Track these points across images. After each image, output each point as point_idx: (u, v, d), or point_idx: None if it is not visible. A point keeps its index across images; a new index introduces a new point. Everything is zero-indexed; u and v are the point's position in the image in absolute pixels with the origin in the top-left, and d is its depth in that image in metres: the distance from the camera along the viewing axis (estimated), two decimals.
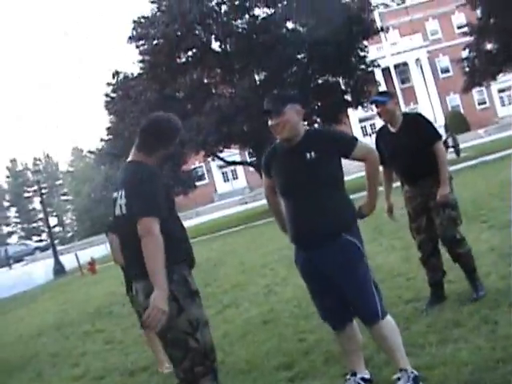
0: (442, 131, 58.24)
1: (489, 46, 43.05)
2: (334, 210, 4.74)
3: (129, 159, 4.53)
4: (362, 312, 4.84)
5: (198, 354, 4.24)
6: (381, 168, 7.31)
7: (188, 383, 4.29)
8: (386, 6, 69.21)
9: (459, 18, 70.43)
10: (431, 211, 7.03)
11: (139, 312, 4.56)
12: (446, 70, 76.17)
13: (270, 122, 4.87)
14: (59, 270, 33.00)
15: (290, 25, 34.88)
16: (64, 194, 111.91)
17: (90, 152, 50.22)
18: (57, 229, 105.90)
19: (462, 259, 7.10)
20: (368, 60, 35.98)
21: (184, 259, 4.38)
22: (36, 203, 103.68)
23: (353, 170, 51.30)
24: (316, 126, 36.43)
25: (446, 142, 29.21)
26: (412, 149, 6.91)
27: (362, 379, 5.07)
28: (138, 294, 4.32)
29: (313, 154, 4.74)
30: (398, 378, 4.78)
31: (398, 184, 7.40)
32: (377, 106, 7.12)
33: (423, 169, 6.97)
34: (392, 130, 7.12)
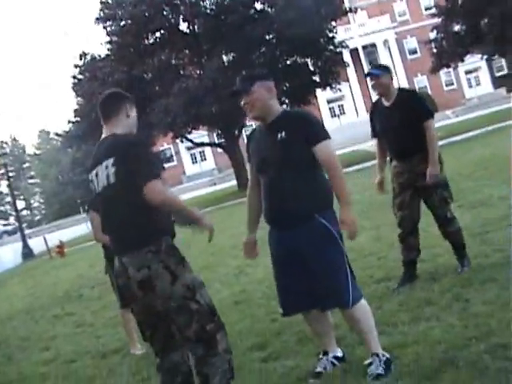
0: None
1: (456, 28, 43.28)
2: (307, 191, 4.68)
3: (105, 135, 4.52)
4: (330, 298, 4.75)
5: (204, 313, 4.27)
6: (375, 141, 7.55)
7: (205, 343, 4.26)
8: None
9: (427, 0, 70.69)
10: (417, 189, 7.06)
11: (121, 289, 4.44)
12: (413, 52, 76.54)
13: (241, 102, 4.84)
14: (27, 253, 32.81)
15: (258, 5, 34.79)
16: (31, 177, 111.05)
17: (57, 135, 49.87)
18: (24, 212, 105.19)
19: (452, 237, 7.19)
20: (336, 41, 36.03)
21: (169, 230, 4.38)
22: (3, 187, 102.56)
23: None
24: (292, 107, 36.52)
25: None
26: (403, 123, 6.93)
27: (335, 357, 5.06)
28: (128, 269, 4.22)
29: (283, 134, 4.69)
30: (370, 363, 4.77)
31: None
32: (371, 79, 7.15)
33: (413, 145, 6.98)
34: (386, 103, 7.15)
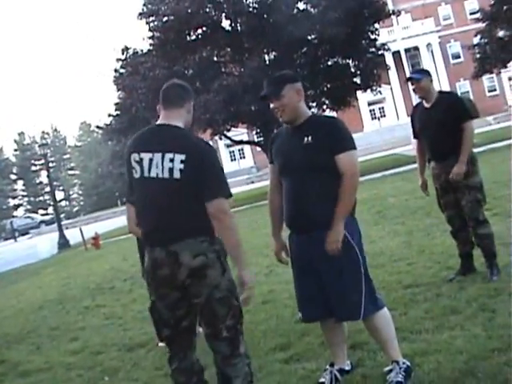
0: None
1: (501, 33, 42.80)
2: (329, 198, 4.61)
3: (163, 122, 4.54)
4: (342, 309, 4.70)
5: (239, 312, 4.33)
6: (415, 142, 7.70)
7: (231, 341, 4.30)
8: None
9: (472, 4, 70.09)
10: (457, 189, 7.23)
11: (158, 280, 4.37)
12: (456, 56, 75.80)
13: (271, 105, 4.83)
14: (64, 243, 33.12)
15: (301, 5, 34.70)
16: (71, 169, 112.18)
17: (98, 127, 50.03)
18: (63, 203, 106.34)
19: (483, 241, 7.26)
20: (378, 43, 35.78)
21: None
22: (43, 177, 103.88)
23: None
24: (332, 109, 36.53)
25: None
26: (441, 123, 7.09)
27: (340, 370, 5.02)
28: (180, 255, 4.19)
29: (310, 138, 4.66)
30: (390, 370, 4.74)
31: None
32: (412, 83, 7.30)
33: (449, 146, 7.11)
34: (426, 105, 7.32)
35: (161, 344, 7.35)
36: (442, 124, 7.09)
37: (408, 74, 7.47)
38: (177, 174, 4.25)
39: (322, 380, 4.99)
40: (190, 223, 4.26)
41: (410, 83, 7.43)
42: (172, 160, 4.27)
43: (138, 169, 4.43)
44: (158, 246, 4.30)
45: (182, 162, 4.24)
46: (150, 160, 4.36)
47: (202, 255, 4.20)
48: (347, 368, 5.06)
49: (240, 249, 4.34)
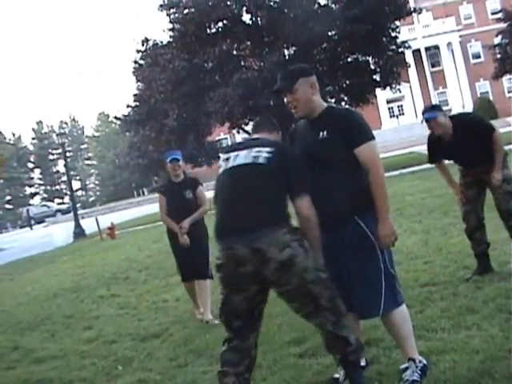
0: None
1: None
2: (349, 193, 4.58)
3: (265, 137, 4.89)
4: (361, 307, 4.71)
5: (329, 281, 4.46)
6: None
7: (333, 308, 4.45)
8: None
9: (494, 4, 69.70)
10: (483, 186, 7.43)
11: (240, 277, 4.37)
12: (477, 56, 75.33)
13: (285, 100, 4.80)
14: (79, 233, 33.22)
15: (322, 1, 34.58)
16: (88, 159, 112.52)
17: (116, 118, 50.22)
18: (79, 192, 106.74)
19: None
20: (399, 41, 35.60)
21: None
22: (60, 166, 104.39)
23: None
24: (350, 105, 36.32)
25: None
26: (469, 149, 7.20)
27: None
28: (267, 251, 4.22)
29: (325, 133, 4.63)
30: (406, 368, 4.72)
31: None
32: (428, 122, 7.26)
33: (482, 157, 7.24)
34: (445, 139, 7.29)
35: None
36: (470, 148, 7.20)
37: (422, 118, 7.38)
38: (261, 160, 4.45)
39: (336, 376, 4.98)
40: (272, 212, 4.39)
41: (425, 123, 7.37)
42: (259, 151, 4.51)
43: (223, 164, 4.63)
44: (239, 242, 4.30)
45: (268, 152, 4.47)
46: (236, 155, 4.58)
47: (288, 247, 4.28)
48: (362, 364, 5.04)
49: (316, 235, 4.53)
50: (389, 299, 4.67)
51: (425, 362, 4.75)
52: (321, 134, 4.64)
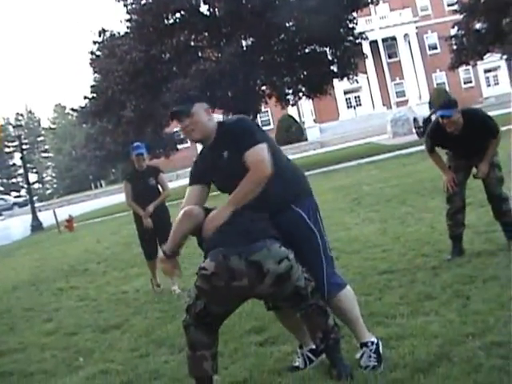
0: (426, 108, 58.23)
1: (478, 26, 43.08)
2: (279, 188, 4.59)
3: None
4: None
5: (299, 268, 4.48)
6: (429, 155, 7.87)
7: (306, 287, 4.51)
8: None
9: None
10: (470, 171, 7.65)
11: (231, 291, 4.32)
12: (433, 47, 76.08)
13: (180, 125, 4.78)
14: (37, 226, 32.92)
15: None
16: (45, 151, 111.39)
17: (73, 110, 49.72)
18: (36, 185, 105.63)
19: (505, 217, 7.59)
20: (356, 32, 35.82)
21: None
22: (16, 159, 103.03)
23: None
24: (308, 96, 36.60)
25: (429, 119, 29.27)
26: (472, 144, 7.39)
27: (311, 350, 4.99)
28: (263, 265, 4.22)
29: (226, 153, 4.61)
30: (361, 356, 4.77)
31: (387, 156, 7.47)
32: (442, 119, 7.33)
33: (479, 150, 7.45)
34: (455, 132, 7.36)
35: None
36: (475, 144, 7.38)
37: (439, 112, 7.47)
38: None
39: (296, 364, 5.01)
40: (264, 229, 4.43)
41: (440, 119, 7.40)
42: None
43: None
44: (232, 255, 4.23)
45: None
46: None
47: (285, 259, 4.29)
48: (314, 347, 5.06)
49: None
50: (332, 282, 4.72)
51: (374, 339, 4.80)
52: (224, 155, 4.62)
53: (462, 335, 4.91)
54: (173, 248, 4.56)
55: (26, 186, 45.64)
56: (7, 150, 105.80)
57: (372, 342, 4.76)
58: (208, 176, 4.79)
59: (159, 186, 9.59)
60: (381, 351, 4.73)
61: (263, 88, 36.51)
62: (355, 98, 75.06)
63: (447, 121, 7.26)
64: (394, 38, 75.07)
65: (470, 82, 76.48)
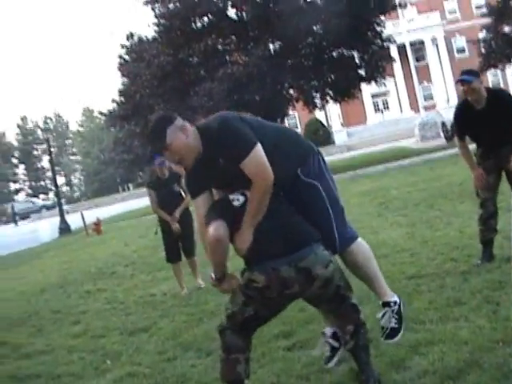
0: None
1: (506, 29, 42.74)
2: (282, 167, 4.45)
3: None
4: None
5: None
6: (458, 142, 7.66)
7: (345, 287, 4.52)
8: None
9: None
10: (500, 172, 7.48)
11: (282, 298, 4.39)
12: (461, 51, 75.61)
13: (166, 159, 4.64)
14: (65, 228, 33.11)
15: None
16: (73, 154, 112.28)
17: (101, 113, 49.94)
18: (64, 188, 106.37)
19: None
20: (384, 35, 35.67)
21: None
22: (45, 162, 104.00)
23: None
24: (335, 100, 36.39)
25: None
26: (497, 124, 7.20)
27: (333, 334, 4.96)
28: (312, 270, 4.23)
29: (221, 159, 4.36)
30: (383, 316, 4.75)
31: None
32: (462, 85, 7.27)
33: (504, 139, 7.30)
34: (477, 107, 7.26)
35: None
36: (499, 125, 7.21)
37: (458, 77, 7.39)
38: None
39: (314, 353, 5.13)
40: (308, 233, 4.39)
41: (460, 85, 7.35)
42: None
43: None
44: (285, 263, 4.18)
45: None
46: None
47: (330, 262, 4.32)
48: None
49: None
50: (343, 234, 4.66)
51: (397, 299, 4.80)
52: (219, 162, 4.37)
53: (492, 341, 4.85)
54: (218, 273, 4.37)
55: (54, 188, 45.90)
56: (36, 153, 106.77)
57: (395, 302, 4.75)
58: (207, 184, 4.56)
59: (181, 191, 9.71)
60: (402, 312, 4.73)
61: (291, 92, 36.45)
62: (383, 101, 74.83)
63: (467, 87, 7.18)
64: (421, 42, 74.79)
65: (499, 85, 75.84)
